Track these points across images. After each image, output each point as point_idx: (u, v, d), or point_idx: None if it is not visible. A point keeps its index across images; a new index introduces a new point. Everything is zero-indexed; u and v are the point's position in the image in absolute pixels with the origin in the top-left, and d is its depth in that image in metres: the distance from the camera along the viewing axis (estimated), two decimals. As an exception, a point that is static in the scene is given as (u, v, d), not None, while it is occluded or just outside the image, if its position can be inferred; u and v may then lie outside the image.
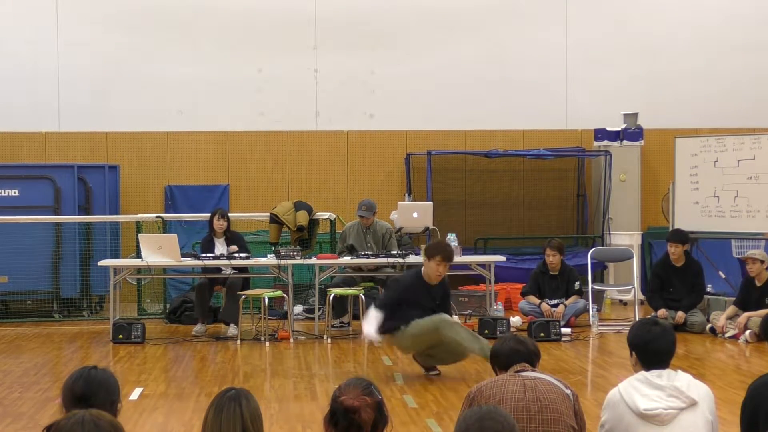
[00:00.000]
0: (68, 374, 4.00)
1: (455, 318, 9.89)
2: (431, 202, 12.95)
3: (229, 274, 11.74)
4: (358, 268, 11.91)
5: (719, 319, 11.30)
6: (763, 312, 10.37)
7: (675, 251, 11.72)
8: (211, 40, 15.45)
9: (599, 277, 14.28)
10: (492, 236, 15.20)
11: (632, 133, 15.11)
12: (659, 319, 11.33)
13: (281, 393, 8.44)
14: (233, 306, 11.39)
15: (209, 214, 12.22)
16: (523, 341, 4.73)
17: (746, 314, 10.98)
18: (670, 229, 12.79)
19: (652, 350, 4.49)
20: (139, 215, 13.56)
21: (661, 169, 15.31)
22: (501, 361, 4.70)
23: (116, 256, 13.31)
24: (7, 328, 12.49)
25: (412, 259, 11.55)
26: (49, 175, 13.65)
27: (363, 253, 11.78)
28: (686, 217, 12.81)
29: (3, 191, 13.45)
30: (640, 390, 4.42)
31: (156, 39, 15.39)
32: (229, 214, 12.42)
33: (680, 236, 11.84)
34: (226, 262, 11.52)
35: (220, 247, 11.85)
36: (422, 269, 8.97)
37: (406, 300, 8.84)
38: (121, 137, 15.25)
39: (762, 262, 11.18)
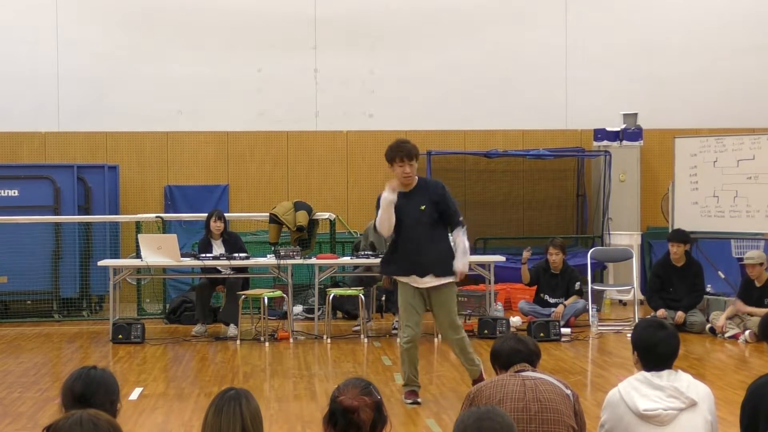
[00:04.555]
0: (68, 374, 4.00)
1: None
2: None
3: (228, 274, 11.74)
4: (369, 268, 11.81)
5: (719, 319, 11.30)
6: (762, 311, 10.35)
7: (677, 251, 11.72)
8: (211, 40, 15.44)
9: (599, 277, 14.28)
10: (492, 236, 15.20)
11: (632, 133, 15.11)
12: (659, 319, 11.37)
13: (281, 393, 8.44)
14: (233, 306, 11.38)
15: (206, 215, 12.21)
16: (523, 341, 4.72)
17: (746, 308, 11.00)
18: (670, 229, 12.79)
19: (655, 354, 4.48)
20: (139, 215, 13.56)
21: (661, 169, 15.31)
22: (501, 360, 4.69)
23: (116, 256, 13.31)
24: (7, 328, 12.49)
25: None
26: (48, 175, 13.65)
27: (362, 253, 11.77)
28: (686, 217, 12.80)
29: (3, 191, 13.45)
30: (640, 390, 4.42)
31: (156, 39, 15.39)
32: (229, 215, 12.42)
33: (682, 236, 11.84)
34: (226, 262, 11.51)
35: (218, 249, 11.83)
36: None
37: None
38: (120, 137, 15.25)
39: (761, 264, 11.17)
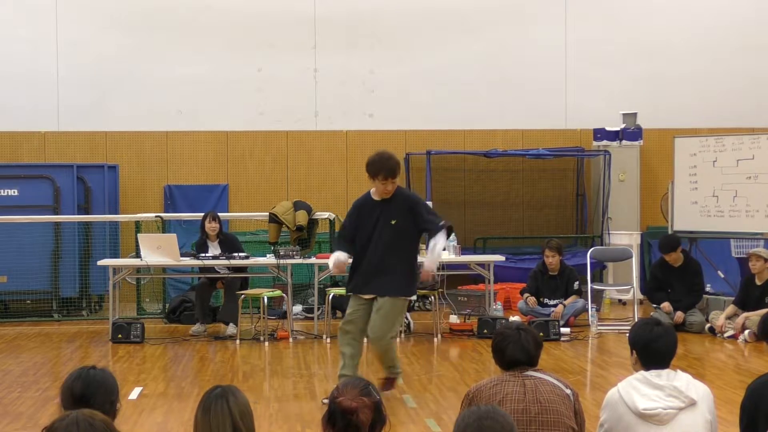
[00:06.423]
0: (67, 374, 4.00)
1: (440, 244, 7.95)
2: (431, 202, 12.95)
3: (226, 274, 11.73)
4: None
5: (718, 318, 11.29)
6: (761, 311, 10.34)
7: (672, 257, 11.63)
8: (211, 40, 15.44)
9: (598, 276, 14.28)
10: (491, 236, 15.20)
11: (631, 132, 15.11)
12: (664, 312, 11.36)
13: (280, 392, 8.44)
14: (232, 305, 11.38)
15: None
16: (524, 348, 4.52)
17: (744, 315, 10.98)
18: (670, 229, 12.78)
19: (652, 350, 4.49)
20: (139, 215, 13.56)
21: (661, 168, 15.31)
22: (503, 362, 4.63)
23: (115, 255, 13.31)
24: (7, 328, 12.49)
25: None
26: (48, 175, 13.64)
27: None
28: (685, 217, 12.81)
29: (2, 191, 13.44)
30: (640, 390, 4.42)
31: (156, 39, 15.39)
32: (229, 214, 12.39)
33: (671, 244, 11.65)
34: (226, 262, 11.51)
35: (214, 250, 11.80)
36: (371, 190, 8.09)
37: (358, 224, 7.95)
38: (120, 137, 15.25)
39: (766, 260, 11.13)
